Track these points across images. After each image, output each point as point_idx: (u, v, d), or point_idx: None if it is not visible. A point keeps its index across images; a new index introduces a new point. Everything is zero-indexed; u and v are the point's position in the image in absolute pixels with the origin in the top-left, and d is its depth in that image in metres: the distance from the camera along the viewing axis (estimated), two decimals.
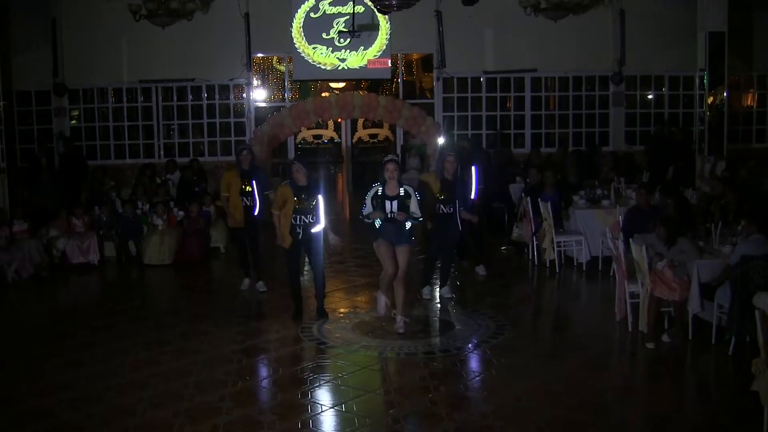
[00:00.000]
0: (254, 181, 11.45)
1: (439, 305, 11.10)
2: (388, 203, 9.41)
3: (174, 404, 7.57)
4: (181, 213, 14.96)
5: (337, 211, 19.71)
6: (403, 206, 9.43)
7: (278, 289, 11.89)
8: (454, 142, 17.93)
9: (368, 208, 9.52)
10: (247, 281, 11.96)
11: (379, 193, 9.46)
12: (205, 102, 19.67)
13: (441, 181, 10.78)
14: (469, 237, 12.58)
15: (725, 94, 16.08)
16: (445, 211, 10.81)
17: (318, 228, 10.20)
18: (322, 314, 10.47)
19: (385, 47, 19.19)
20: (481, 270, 12.63)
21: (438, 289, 11.46)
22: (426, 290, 11.32)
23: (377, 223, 9.48)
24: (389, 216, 9.42)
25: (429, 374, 8.35)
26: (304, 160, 10.82)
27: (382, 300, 9.83)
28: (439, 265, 11.57)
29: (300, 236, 10.16)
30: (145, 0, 15.85)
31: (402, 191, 9.46)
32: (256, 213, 11.50)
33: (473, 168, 11.98)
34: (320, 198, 10.16)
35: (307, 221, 10.11)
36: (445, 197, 10.74)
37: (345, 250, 14.30)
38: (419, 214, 9.58)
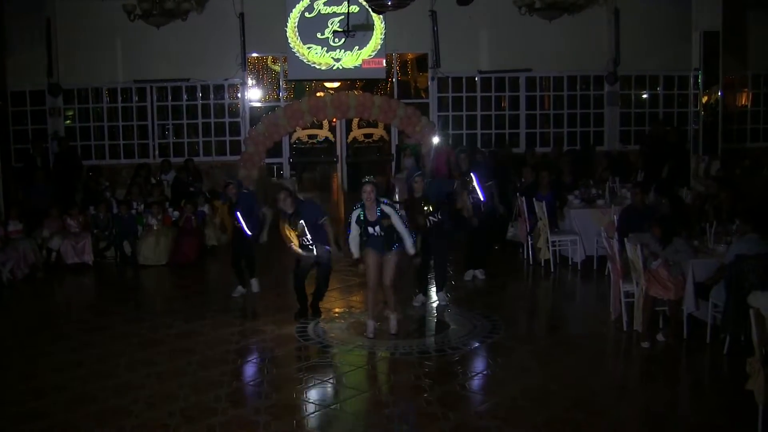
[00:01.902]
0: (237, 213, 11.53)
1: (434, 305, 11.10)
2: (371, 229, 9.46)
3: (169, 404, 7.57)
4: (176, 213, 14.97)
5: (331, 212, 19.73)
6: (386, 226, 9.44)
7: (273, 289, 11.90)
8: (448, 144, 17.96)
9: (354, 230, 9.52)
10: (240, 288, 11.86)
11: (362, 218, 9.47)
12: (199, 102, 19.64)
13: (410, 200, 10.87)
14: (475, 242, 12.55)
15: (720, 94, 16.13)
16: (433, 220, 10.82)
17: (323, 250, 10.34)
18: (316, 312, 10.56)
19: (379, 47, 19.18)
20: (480, 274, 12.53)
21: (434, 294, 11.36)
22: (418, 298, 11.22)
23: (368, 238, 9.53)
24: (376, 235, 9.47)
25: (424, 374, 8.36)
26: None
27: (372, 325, 9.77)
28: (434, 271, 11.48)
29: (312, 258, 10.39)
30: (139, 0, 15.83)
31: (379, 213, 9.43)
32: (247, 233, 11.61)
33: (473, 175, 12.07)
34: (304, 222, 10.22)
35: (308, 242, 10.27)
36: (429, 209, 10.73)
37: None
38: (404, 231, 9.55)
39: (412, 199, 10.91)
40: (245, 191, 12.06)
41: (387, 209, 9.46)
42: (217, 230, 15.45)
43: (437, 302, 11.14)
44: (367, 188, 9.43)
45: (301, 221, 10.20)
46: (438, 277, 11.30)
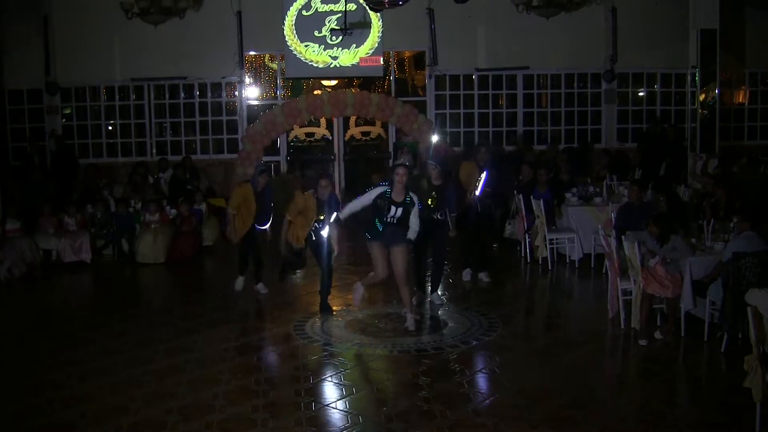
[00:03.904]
0: (261, 201, 11.46)
1: (431, 303, 11.09)
2: (393, 208, 9.43)
3: (167, 402, 7.57)
4: (174, 211, 14.96)
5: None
6: (406, 213, 9.46)
7: (271, 287, 11.88)
8: (445, 141, 17.91)
9: (365, 199, 9.50)
10: (241, 279, 11.80)
11: (387, 195, 9.46)
12: (197, 100, 19.65)
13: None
14: (473, 244, 12.51)
15: (717, 92, 16.14)
16: (435, 217, 10.72)
17: (325, 231, 10.38)
18: (325, 310, 10.58)
19: (377, 45, 19.20)
20: (485, 277, 12.38)
21: (429, 295, 11.29)
22: (417, 296, 11.04)
23: (379, 226, 9.51)
24: (389, 221, 9.45)
25: (422, 372, 8.35)
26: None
27: (360, 291, 9.91)
28: (431, 271, 11.46)
29: (312, 237, 10.47)
30: None
31: (408, 199, 9.49)
32: (265, 226, 11.59)
33: (484, 172, 11.95)
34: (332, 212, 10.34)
35: (318, 227, 10.43)
36: (434, 203, 10.66)
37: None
38: (416, 228, 9.61)
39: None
40: (269, 186, 12.10)
41: (414, 198, 9.53)
42: (214, 229, 15.40)
43: (432, 303, 11.10)
44: (401, 170, 9.45)
45: (328, 210, 10.34)
46: (435, 277, 11.29)
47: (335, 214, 10.24)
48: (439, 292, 11.31)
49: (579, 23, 18.99)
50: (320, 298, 10.67)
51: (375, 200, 9.50)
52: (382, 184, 9.58)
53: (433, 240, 10.85)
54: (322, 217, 10.38)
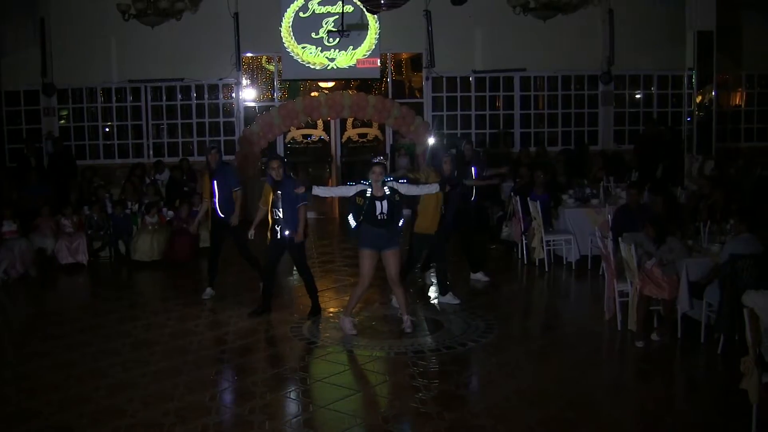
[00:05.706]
0: (215, 180, 11.36)
1: (428, 304, 11.10)
2: (378, 204, 9.38)
3: (164, 404, 7.57)
4: (171, 213, 14.96)
5: (325, 211, 19.80)
6: (395, 202, 9.43)
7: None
8: (451, 143, 17.91)
9: (341, 191, 9.67)
10: (209, 290, 11.77)
11: (368, 194, 9.42)
12: (194, 102, 19.63)
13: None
14: (470, 244, 12.51)
15: (714, 93, 16.17)
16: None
17: (288, 231, 10.28)
18: (315, 310, 10.57)
19: (374, 47, 19.18)
20: (481, 276, 12.40)
21: (440, 297, 11.25)
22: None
23: (352, 222, 9.50)
24: (380, 218, 9.42)
25: (419, 373, 8.35)
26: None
27: (347, 322, 9.79)
28: (434, 273, 11.44)
29: (278, 235, 10.33)
30: None
31: (387, 190, 9.44)
32: (219, 214, 11.42)
33: (473, 169, 12.02)
34: (281, 193, 10.22)
35: (278, 218, 10.26)
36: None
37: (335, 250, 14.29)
38: (416, 187, 9.86)
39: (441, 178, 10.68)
40: (227, 164, 11.96)
41: (392, 183, 9.51)
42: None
43: (442, 304, 11.05)
44: (377, 169, 9.41)
45: (279, 193, 10.23)
46: (440, 278, 11.27)
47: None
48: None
49: (576, 25, 18.99)
50: (311, 301, 10.66)
51: (354, 198, 9.48)
52: (363, 182, 9.53)
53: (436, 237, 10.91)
54: (275, 199, 10.29)
